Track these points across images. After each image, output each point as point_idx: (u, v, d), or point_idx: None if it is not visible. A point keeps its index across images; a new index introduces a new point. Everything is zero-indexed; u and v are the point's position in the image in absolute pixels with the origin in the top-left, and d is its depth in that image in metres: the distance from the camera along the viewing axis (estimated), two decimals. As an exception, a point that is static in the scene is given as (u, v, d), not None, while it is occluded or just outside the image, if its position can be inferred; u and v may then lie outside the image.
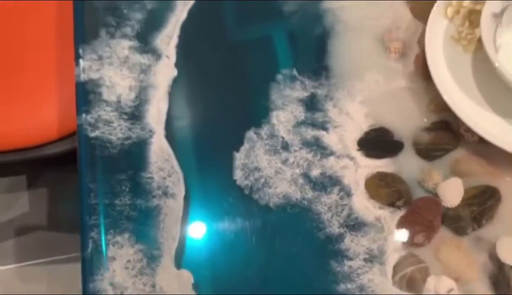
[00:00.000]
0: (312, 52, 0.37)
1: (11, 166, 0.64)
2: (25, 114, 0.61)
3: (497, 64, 0.31)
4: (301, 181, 0.33)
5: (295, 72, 0.36)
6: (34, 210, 0.90)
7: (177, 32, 0.37)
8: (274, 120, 0.35)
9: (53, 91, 0.60)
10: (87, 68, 0.36)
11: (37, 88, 0.60)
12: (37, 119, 0.60)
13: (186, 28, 0.38)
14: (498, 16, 0.34)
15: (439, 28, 0.36)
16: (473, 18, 0.36)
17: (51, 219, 0.89)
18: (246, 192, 0.32)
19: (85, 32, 0.37)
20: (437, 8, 0.36)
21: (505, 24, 0.34)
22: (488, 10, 0.33)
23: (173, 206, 0.32)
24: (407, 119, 0.34)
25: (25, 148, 0.61)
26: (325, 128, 0.34)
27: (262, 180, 0.33)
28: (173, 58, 0.37)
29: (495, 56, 0.32)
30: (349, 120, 0.35)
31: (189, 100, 0.36)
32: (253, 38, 0.38)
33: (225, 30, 0.39)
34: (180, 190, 0.32)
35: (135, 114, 0.35)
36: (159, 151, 0.34)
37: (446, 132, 0.34)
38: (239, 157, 0.34)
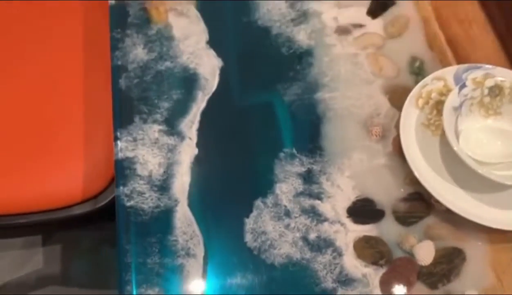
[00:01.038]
0: (308, 135, 0.45)
1: (32, 226, 0.71)
2: (52, 177, 0.67)
3: (455, 148, 0.39)
4: (300, 243, 0.40)
5: (294, 151, 0.44)
6: (48, 267, 0.95)
7: (198, 118, 0.46)
8: (277, 191, 0.42)
9: (80, 155, 0.67)
10: (124, 148, 0.44)
11: (64, 152, 0.68)
12: (63, 182, 0.67)
13: (205, 114, 0.46)
14: (457, 108, 0.42)
15: (412, 115, 0.44)
16: (440, 107, 0.44)
17: (64, 276, 0.94)
18: (255, 252, 0.39)
19: (122, 118, 0.46)
20: (409, 99, 0.44)
21: (464, 114, 0.43)
22: (449, 104, 0.41)
23: (194, 264, 0.39)
24: (387, 191, 0.42)
25: (50, 210, 0.68)
26: (320, 198, 0.42)
27: (268, 242, 0.40)
28: (194, 139, 0.45)
29: (455, 141, 0.39)
30: (339, 192, 0.42)
31: (207, 174, 0.43)
32: (261, 126, 0.46)
33: (238, 115, 0.47)
34: (200, 251, 0.39)
35: (163, 187, 0.42)
36: (183, 217, 0.41)
37: (420, 202, 0.41)
38: (249, 222, 0.41)
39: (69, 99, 0.71)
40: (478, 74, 0.44)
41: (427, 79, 0.45)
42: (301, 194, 0.42)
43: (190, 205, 0.41)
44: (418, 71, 0.48)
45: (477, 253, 0.39)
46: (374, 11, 0.52)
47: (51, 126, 0.69)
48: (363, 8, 0.52)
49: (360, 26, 0.51)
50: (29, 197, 0.68)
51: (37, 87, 0.72)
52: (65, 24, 0.81)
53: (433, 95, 0.45)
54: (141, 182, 0.42)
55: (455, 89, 0.42)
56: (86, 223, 0.85)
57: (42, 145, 0.68)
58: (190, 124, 0.45)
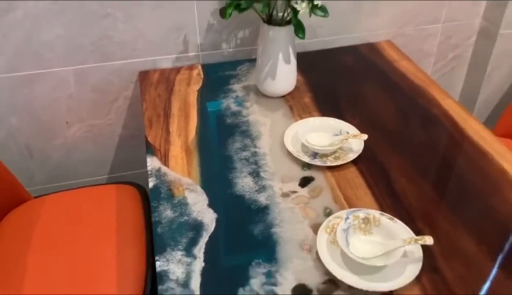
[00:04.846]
0: (269, 252, 0.78)
1: None
2: None
3: (350, 255, 0.72)
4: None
5: (261, 261, 0.76)
6: None
7: (203, 246, 0.79)
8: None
9: None
10: (162, 265, 0.75)
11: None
12: None
13: (208, 244, 0.79)
14: (346, 230, 0.77)
15: (324, 237, 0.78)
16: None
17: None
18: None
19: (160, 249, 0.78)
20: (322, 229, 0.79)
21: (351, 233, 0.77)
22: (340, 228, 0.77)
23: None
24: (314, 278, 0.73)
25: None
26: (276, 285, 0.73)
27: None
28: (202, 258, 0.77)
29: (347, 249, 0.73)
30: (285, 281, 0.73)
31: (210, 281, 0.74)
32: (241, 246, 0.79)
33: (226, 241, 0.80)
34: (208, 317, 0.68)
35: (186, 285, 0.73)
36: None
37: (330, 283, 0.72)
38: (235, 302, 0.70)
39: (103, 260, 1.03)
40: (358, 213, 0.80)
41: (331, 217, 0.81)
42: (265, 283, 0.73)
43: (203, 282, 0.71)
44: (328, 214, 0.84)
45: (363, 307, 0.69)
46: (303, 184, 0.91)
47: (90, 278, 1.00)
48: (296, 182, 0.92)
49: (295, 192, 0.89)
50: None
51: (81, 252, 1.05)
52: (100, 204, 1.18)
53: (335, 226, 0.80)
54: (172, 282, 0.73)
55: (343, 220, 0.78)
56: None
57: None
58: (200, 249, 0.78)
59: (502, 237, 0.80)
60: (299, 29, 0.98)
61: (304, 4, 0.93)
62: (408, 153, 1.00)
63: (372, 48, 1.40)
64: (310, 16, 0.96)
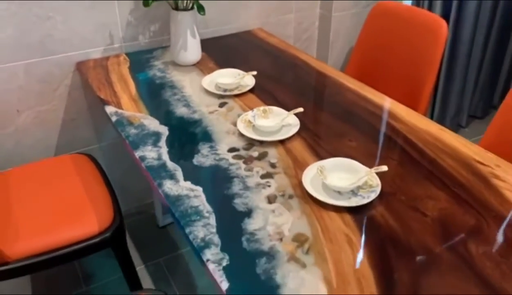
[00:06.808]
0: (206, 139, 1.21)
1: (70, 254, 1.24)
2: (80, 227, 1.26)
3: (256, 125, 1.19)
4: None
5: (206, 143, 1.19)
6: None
7: (164, 143, 1.19)
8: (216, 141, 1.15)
9: (93, 217, 1.28)
10: (143, 155, 1.13)
11: (83, 216, 1.28)
12: (81, 229, 1.27)
13: (167, 141, 1.19)
14: (253, 117, 1.23)
15: (241, 125, 1.24)
16: (247, 120, 1.25)
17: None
18: (198, 166, 1.09)
19: (134, 146, 1.16)
20: (239, 120, 1.25)
21: (256, 118, 1.24)
22: (249, 116, 1.23)
23: (178, 173, 1.07)
24: (242, 145, 1.18)
25: (79, 241, 1.25)
26: (216, 148, 1.15)
27: (202, 163, 1.10)
28: (165, 148, 1.16)
29: (256, 124, 1.19)
30: (222, 148, 1.16)
31: (172, 158, 1.14)
32: (193, 136, 1.21)
33: (179, 136, 1.21)
34: (179, 170, 1.08)
35: (159, 159, 1.11)
36: (170, 166, 1.10)
37: (251, 145, 1.18)
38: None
39: (79, 201, 1.35)
40: (259, 108, 1.28)
41: (243, 114, 1.27)
42: (210, 151, 1.15)
43: (170, 156, 1.11)
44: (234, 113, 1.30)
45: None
46: (221, 106, 1.36)
47: (77, 211, 1.31)
48: (216, 106, 1.36)
49: (217, 110, 1.34)
50: (66, 238, 1.24)
51: (59, 200, 1.36)
52: (62, 169, 1.49)
53: (246, 117, 1.26)
54: (150, 159, 1.11)
55: (251, 112, 1.24)
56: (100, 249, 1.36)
57: (71, 218, 1.28)
58: (162, 143, 1.18)
59: (344, 107, 1.34)
60: (200, 9, 1.45)
61: (201, -10, 1.40)
62: (285, 84, 1.51)
63: (249, 33, 1.93)
64: (206, -2, 1.43)
